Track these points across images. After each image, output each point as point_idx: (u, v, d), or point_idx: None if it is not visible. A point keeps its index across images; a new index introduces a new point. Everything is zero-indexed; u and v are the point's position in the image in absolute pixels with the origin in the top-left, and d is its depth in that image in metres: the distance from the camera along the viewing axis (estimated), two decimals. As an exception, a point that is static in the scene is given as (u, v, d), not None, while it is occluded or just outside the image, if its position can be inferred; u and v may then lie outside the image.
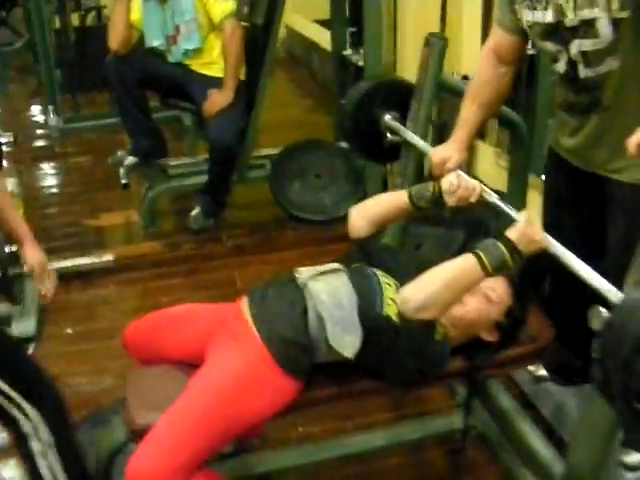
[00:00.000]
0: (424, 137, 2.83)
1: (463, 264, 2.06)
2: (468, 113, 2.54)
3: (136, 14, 4.31)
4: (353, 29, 4.92)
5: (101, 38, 4.58)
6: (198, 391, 2.10)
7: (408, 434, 2.69)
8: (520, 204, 2.97)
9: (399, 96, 2.98)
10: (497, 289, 2.25)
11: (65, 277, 4.01)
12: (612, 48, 2.11)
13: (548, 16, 2.19)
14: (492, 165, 3.92)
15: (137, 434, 2.10)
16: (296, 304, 2.17)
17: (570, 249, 1.98)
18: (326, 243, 2.75)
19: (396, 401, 3.09)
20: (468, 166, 4.36)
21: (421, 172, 3.00)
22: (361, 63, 4.52)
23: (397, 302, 2.10)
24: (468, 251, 2.09)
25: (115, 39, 4.22)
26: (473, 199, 2.33)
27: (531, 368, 3.04)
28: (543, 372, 3.01)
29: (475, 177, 4.20)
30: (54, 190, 5.66)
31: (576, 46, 2.16)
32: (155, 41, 4.35)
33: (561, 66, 2.28)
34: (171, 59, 4.39)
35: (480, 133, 4.29)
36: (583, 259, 1.87)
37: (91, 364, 3.35)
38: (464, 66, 4.48)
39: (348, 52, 4.94)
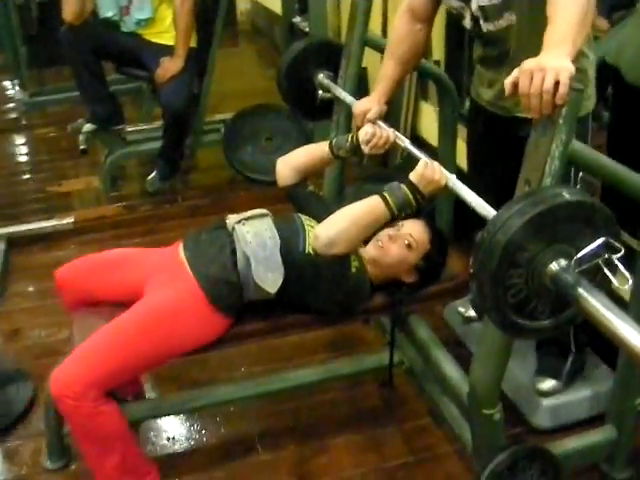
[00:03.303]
0: (353, 92, 2.94)
1: (369, 204, 2.25)
2: (387, 68, 2.66)
3: (89, -14, 4.39)
4: (301, -3, 5.05)
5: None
6: (128, 315, 2.25)
7: (340, 369, 2.85)
8: (450, 155, 3.10)
9: (332, 55, 3.09)
10: (415, 236, 2.42)
11: (29, 240, 4.22)
12: (508, 3, 2.26)
13: None
14: (434, 123, 4.06)
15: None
16: (225, 246, 2.35)
17: (493, 190, 2.12)
18: (277, 202, 2.87)
19: (334, 344, 3.25)
20: (413, 126, 4.52)
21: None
22: (308, 29, 4.63)
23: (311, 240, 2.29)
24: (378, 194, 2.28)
25: (69, 11, 4.28)
26: (387, 146, 2.51)
27: (461, 309, 3.22)
28: (472, 313, 3.18)
29: (419, 136, 4.39)
30: (21, 159, 5.76)
31: (475, 2, 2.32)
32: (109, 12, 4.43)
33: (467, 22, 2.43)
34: (124, 29, 4.47)
35: (424, 94, 4.46)
36: (505, 198, 1.88)
37: (50, 318, 3.47)
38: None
39: (297, 19, 5.06)
